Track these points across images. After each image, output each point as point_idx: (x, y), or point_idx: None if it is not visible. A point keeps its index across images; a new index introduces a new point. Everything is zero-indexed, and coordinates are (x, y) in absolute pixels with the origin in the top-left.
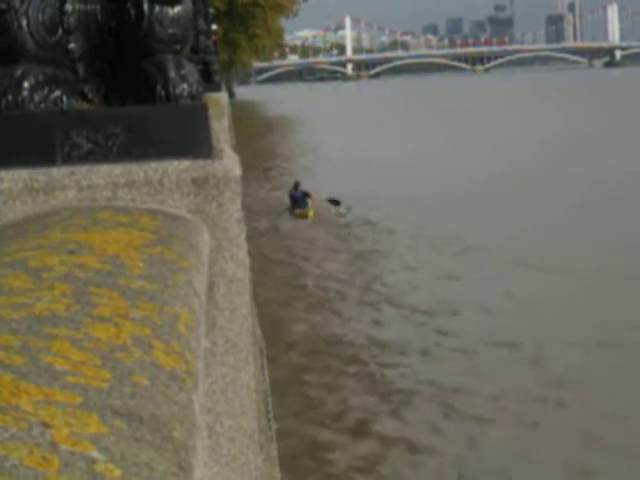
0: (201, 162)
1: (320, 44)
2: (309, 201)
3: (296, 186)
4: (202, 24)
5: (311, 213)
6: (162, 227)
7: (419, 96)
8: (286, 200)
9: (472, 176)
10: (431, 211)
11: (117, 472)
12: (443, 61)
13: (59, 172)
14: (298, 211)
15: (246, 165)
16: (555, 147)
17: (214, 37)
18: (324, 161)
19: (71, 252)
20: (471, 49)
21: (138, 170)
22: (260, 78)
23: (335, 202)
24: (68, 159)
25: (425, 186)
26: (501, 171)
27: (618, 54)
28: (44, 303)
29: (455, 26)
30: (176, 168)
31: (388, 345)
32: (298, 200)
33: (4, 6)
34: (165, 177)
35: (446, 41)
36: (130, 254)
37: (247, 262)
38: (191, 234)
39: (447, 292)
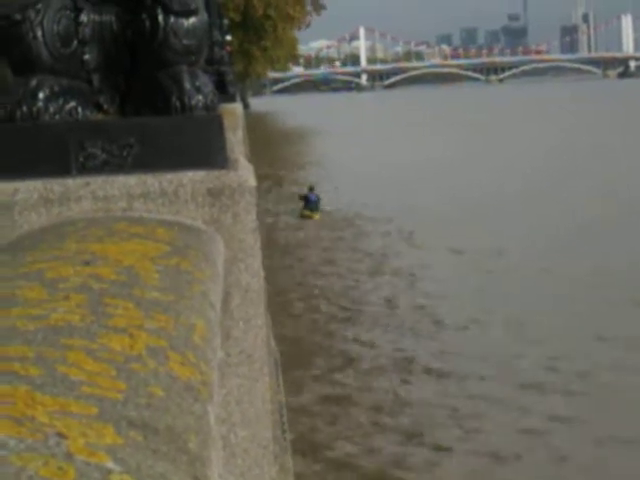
0: (216, 173)
1: (334, 54)
2: (320, 206)
3: (311, 189)
4: (217, 35)
5: (317, 216)
6: (177, 238)
7: (434, 107)
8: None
9: (486, 188)
10: (445, 222)
11: None
12: (457, 71)
13: (74, 183)
14: (307, 212)
15: (261, 177)
16: (570, 159)
17: (228, 48)
18: (340, 172)
19: (86, 263)
20: (485, 59)
21: (153, 181)
22: (275, 89)
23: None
24: (83, 170)
25: (439, 196)
26: (513, 184)
27: (632, 64)
28: (59, 314)
29: (469, 36)
30: (191, 179)
31: None
32: (312, 202)
33: (19, 17)
34: (180, 188)
35: (460, 51)
36: (145, 265)
37: (262, 273)
38: (206, 245)
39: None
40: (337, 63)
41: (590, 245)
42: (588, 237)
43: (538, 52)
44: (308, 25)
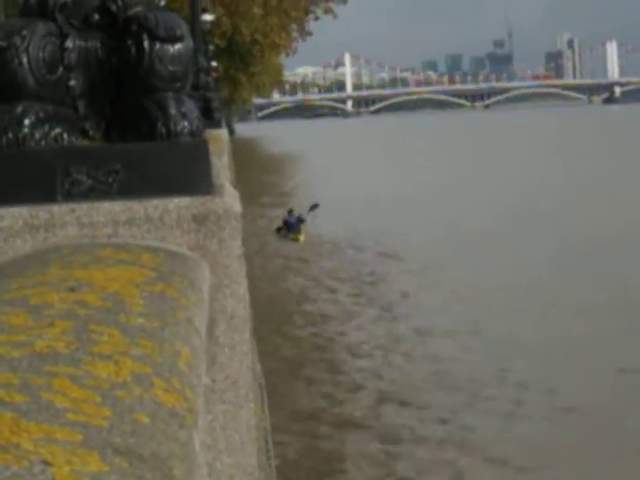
0: (202, 199)
1: (320, 81)
2: (302, 226)
3: (290, 212)
4: (202, 61)
5: (302, 238)
6: (162, 264)
7: (418, 133)
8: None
9: (470, 217)
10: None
11: None
12: (443, 98)
13: (59, 209)
14: (291, 235)
15: (246, 202)
16: (556, 188)
17: (214, 74)
18: (326, 198)
19: (71, 289)
20: (470, 86)
21: (139, 207)
22: (260, 114)
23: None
24: (69, 196)
25: (420, 222)
26: (496, 212)
27: (617, 90)
28: (44, 340)
29: (454, 63)
30: (177, 205)
31: None
32: (292, 225)
33: (4, 43)
34: (166, 214)
35: (446, 78)
36: (130, 292)
37: (247, 299)
38: (191, 271)
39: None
40: (314, 89)
41: (590, 272)
42: (587, 265)
43: (536, 77)
44: (295, 51)
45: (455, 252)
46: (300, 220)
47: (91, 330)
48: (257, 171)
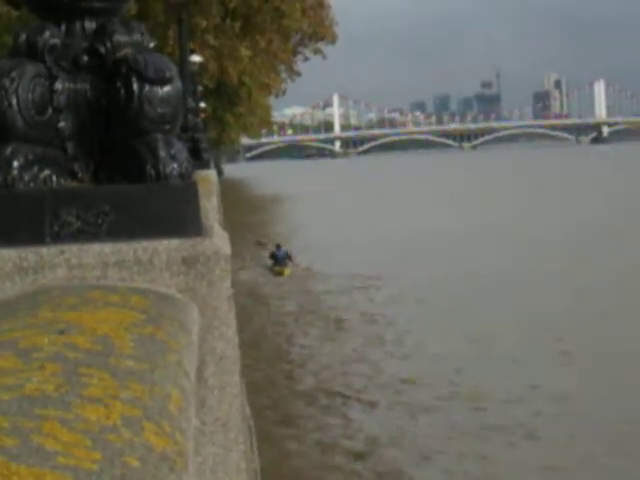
0: (191, 241)
1: (308, 121)
2: (289, 262)
3: (278, 246)
4: (191, 102)
5: (288, 272)
6: (152, 307)
7: (406, 174)
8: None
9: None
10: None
11: None
12: (431, 138)
13: (48, 251)
14: (277, 268)
15: (234, 244)
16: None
17: (202, 115)
18: (313, 240)
19: (61, 332)
20: (458, 126)
21: (128, 249)
22: (249, 155)
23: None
24: (58, 238)
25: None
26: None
27: (605, 130)
28: (34, 384)
29: (442, 103)
30: (166, 247)
31: None
32: (280, 259)
33: None
34: (155, 256)
35: (434, 118)
36: (120, 334)
37: (236, 340)
38: (181, 313)
39: None
40: (303, 130)
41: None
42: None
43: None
44: (284, 92)
45: (458, 295)
46: (288, 256)
47: (81, 373)
48: (245, 212)
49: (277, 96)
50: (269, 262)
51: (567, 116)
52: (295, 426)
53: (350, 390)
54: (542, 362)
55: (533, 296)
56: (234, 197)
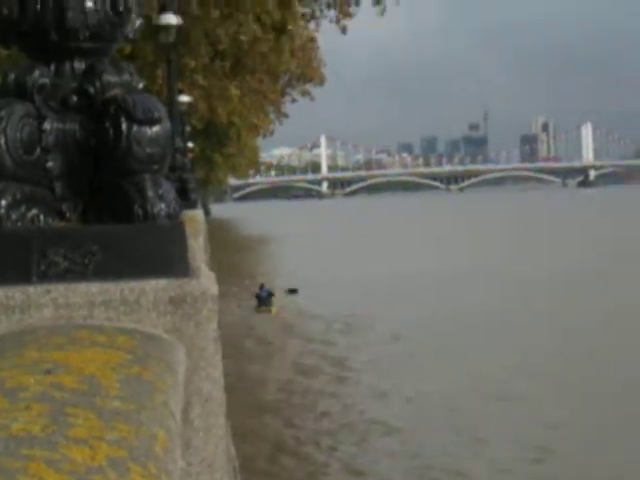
0: (178, 281)
1: (296, 162)
2: (273, 299)
3: (261, 287)
4: (179, 142)
5: (275, 310)
6: (138, 347)
7: (393, 215)
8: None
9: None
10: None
11: None
12: (418, 180)
13: (35, 290)
14: (263, 308)
15: (222, 283)
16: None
17: (190, 154)
18: (300, 280)
19: (47, 371)
20: (445, 168)
21: (115, 289)
22: (236, 195)
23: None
24: (44, 277)
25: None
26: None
27: (592, 174)
28: (20, 424)
29: (430, 145)
30: (153, 287)
31: None
32: (264, 299)
33: None
34: (142, 296)
35: (421, 160)
36: (106, 374)
37: (222, 381)
38: (167, 353)
39: None
40: (290, 171)
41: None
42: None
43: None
44: (272, 133)
45: (446, 334)
46: (270, 294)
47: (67, 413)
48: (232, 252)
49: (265, 136)
50: (254, 303)
51: (555, 158)
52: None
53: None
54: (528, 404)
55: (520, 335)
56: (221, 237)
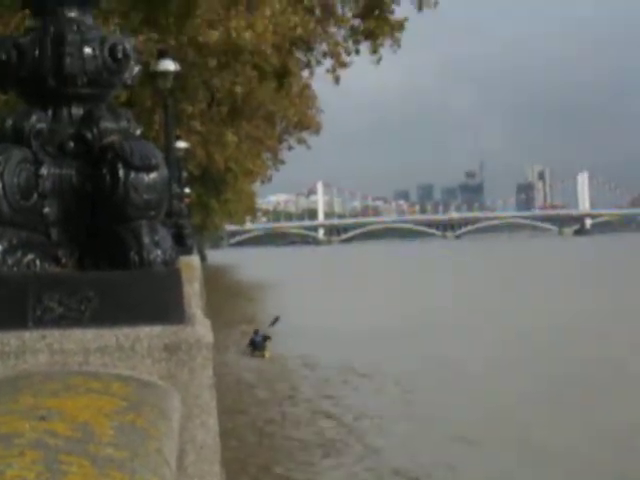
0: (173, 328)
1: (293, 208)
2: (267, 344)
3: (256, 332)
4: (176, 188)
5: (268, 354)
6: (133, 394)
7: (389, 262)
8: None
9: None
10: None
11: None
12: (414, 227)
13: (30, 336)
14: (257, 353)
15: (217, 330)
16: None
17: (187, 200)
18: (294, 328)
19: (42, 418)
20: (442, 216)
21: (110, 335)
22: (232, 241)
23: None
24: (40, 323)
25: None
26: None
27: (588, 222)
28: (14, 470)
29: (426, 192)
30: (148, 334)
31: None
32: (258, 343)
33: None
34: (137, 343)
35: (417, 207)
36: (101, 421)
37: (217, 429)
38: (162, 400)
39: None
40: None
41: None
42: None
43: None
44: (269, 179)
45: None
46: (265, 338)
47: (61, 460)
48: (228, 298)
49: (262, 182)
50: (248, 349)
51: (552, 206)
52: None
53: None
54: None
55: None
56: (217, 283)
